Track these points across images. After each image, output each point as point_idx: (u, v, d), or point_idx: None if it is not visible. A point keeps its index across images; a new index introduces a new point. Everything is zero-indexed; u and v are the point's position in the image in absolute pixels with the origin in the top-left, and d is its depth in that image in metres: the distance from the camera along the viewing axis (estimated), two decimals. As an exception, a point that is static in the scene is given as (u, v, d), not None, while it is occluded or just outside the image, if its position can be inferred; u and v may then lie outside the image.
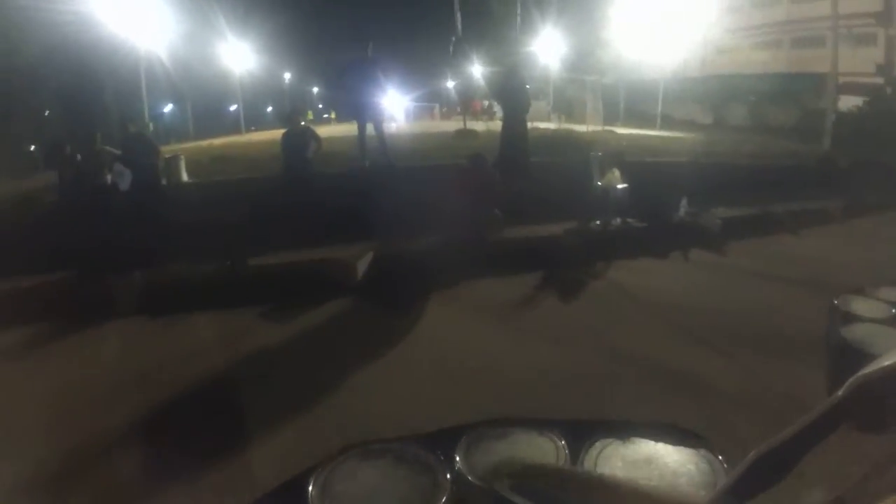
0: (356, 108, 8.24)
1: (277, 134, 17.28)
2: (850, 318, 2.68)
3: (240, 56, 23.85)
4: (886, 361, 0.76)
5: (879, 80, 20.08)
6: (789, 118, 22.09)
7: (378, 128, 8.34)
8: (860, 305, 2.83)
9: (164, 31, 13.48)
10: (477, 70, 28.38)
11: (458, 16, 12.27)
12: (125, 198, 6.31)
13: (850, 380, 0.76)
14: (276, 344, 4.28)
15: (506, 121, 8.65)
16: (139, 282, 5.18)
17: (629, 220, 7.54)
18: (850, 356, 2.42)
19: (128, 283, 5.12)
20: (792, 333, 3.91)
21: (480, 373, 3.65)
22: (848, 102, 17.77)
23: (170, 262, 5.59)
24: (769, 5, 27.54)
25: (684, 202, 7.97)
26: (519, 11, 9.20)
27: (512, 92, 8.36)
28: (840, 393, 0.76)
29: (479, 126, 19.80)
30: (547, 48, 24.13)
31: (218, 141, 17.27)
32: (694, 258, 6.81)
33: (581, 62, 27.11)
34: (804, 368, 3.31)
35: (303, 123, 8.33)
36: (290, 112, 8.53)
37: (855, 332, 2.48)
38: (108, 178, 6.56)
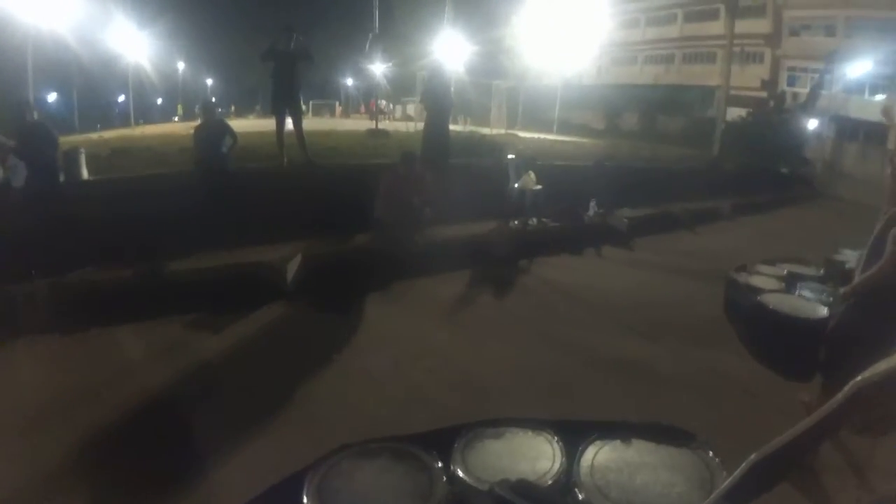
0: (275, 103, 7.93)
1: (172, 128, 16.37)
2: (755, 290, 3.43)
3: (131, 42, 22.15)
4: (883, 366, 0.78)
5: (763, 94, 22.33)
6: (678, 126, 23.94)
7: (297, 124, 8.07)
8: (756, 280, 3.66)
9: (53, 11, 12.19)
10: (379, 69, 28.29)
11: (376, 12, 12.21)
12: (21, 195, 5.66)
13: (849, 384, 0.78)
14: (214, 356, 3.95)
15: (428, 121, 8.69)
16: (44, 292, 4.51)
17: (545, 219, 7.90)
18: (769, 318, 3.08)
19: (32, 293, 4.46)
20: (699, 314, 4.47)
21: (434, 372, 3.69)
22: (732, 113, 19.53)
23: (78, 269, 4.96)
24: (664, 22, 29.75)
25: (593, 203, 8.47)
26: (435, 13, 9.30)
27: (435, 92, 8.42)
28: (839, 396, 0.77)
29: (389, 125, 19.74)
30: (453, 51, 24.46)
31: (108, 134, 15.97)
32: (606, 254, 7.33)
33: (485, 67, 27.70)
34: (712, 343, 3.88)
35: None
36: (204, 103, 8.04)
37: (767, 300, 3.19)
38: (0, 172, 5.86)
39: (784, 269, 3.85)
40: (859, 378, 0.78)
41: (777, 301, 3.23)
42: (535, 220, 7.79)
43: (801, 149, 16.67)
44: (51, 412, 3.16)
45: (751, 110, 19.82)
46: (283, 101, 7.90)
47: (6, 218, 5.17)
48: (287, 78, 7.79)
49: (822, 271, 3.96)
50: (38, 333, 4.18)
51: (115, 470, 2.62)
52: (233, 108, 35.54)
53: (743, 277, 3.77)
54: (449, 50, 23.26)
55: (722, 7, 22.24)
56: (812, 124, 18.06)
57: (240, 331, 4.39)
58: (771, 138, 15.76)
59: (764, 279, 3.71)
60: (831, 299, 3.10)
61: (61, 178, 6.38)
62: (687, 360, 3.86)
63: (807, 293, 3.39)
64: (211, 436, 2.87)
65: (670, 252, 7.42)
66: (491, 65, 28.41)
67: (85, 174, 7.18)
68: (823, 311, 3.03)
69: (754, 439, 0.82)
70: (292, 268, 5.38)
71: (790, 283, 3.62)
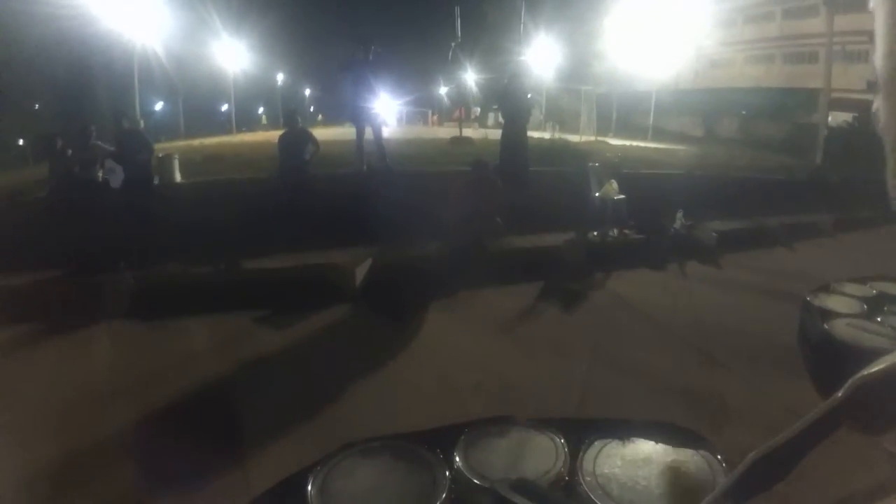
0: (354, 112, 8.15)
1: (270, 136, 17.32)
2: (827, 314, 2.90)
3: (233, 54, 23.75)
4: (884, 363, 0.77)
5: (870, 97, 20.47)
6: (780, 132, 22.37)
7: (376, 132, 8.26)
8: (833, 302, 3.06)
9: (159, 27, 13.34)
10: (471, 77, 28.55)
11: (458, 21, 12.37)
12: (117, 195, 6.18)
13: (850, 381, 0.77)
14: (273, 350, 4.16)
15: (506, 129, 8.58)
16: (130, 283, 5.00)
17: (626, 231, 7.57)
18: (836, 350, 2.61)
19: (118, 283, 4.94)
20: (784, 343, 3.93)
21: (483, 386, 3.60)
22: (838, 118, 18.06)
23: (162, 264, 5.45)
24: (762, 21, 28.05)
25: (680, 214, 8.01)
26: (520, 20, 9.22)
27: (512, 100, 8.30)
28: (839, 394, 0.77)
29: (477, 133, 19.83)
30: (541, 57, 24.29)
31: (209, 140, 17.10)
32: (690, 271, 6.84)
33: (575, 72, 27.30)
34: (794, 377, 3.42)
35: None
36: (287, 113, 8.43)
37: (836, 328, 2.69)
38: (100, 174, 6.43)
39: (873, 290, 3.24)
40: (859, 375, 0.77)
41: (846, 328, 2.70)
42: (615, 231, 7.48)
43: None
44: (117, 390, 3.50)
45: (857, 115, 18.20)
46: (363, 109, 8.11)
47: (103, 215, 5.70)
48: (367, 87, 7.98)
49: None
50: (119, 320, 4.69)
51: (166, 446, 2.81)
52: (320, 116, 37.03)
53: (819, 299, 3.18)
54: (536, 56, 23.18)
55: (821, 1, 20.59)
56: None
57: (302, 329, 4.56)
58: (879, 145, 14.28)
59: (843, 301, 3.08)
60: None
61: (155, 180, 6.88)
62: (761, 396, 3.50)
63: (892, 319, 2.79)
64: (257, 426, 3.03)
65: (762, 271, 6.82)
66: (581, 70, 28.00)
67: (178, 177, 7.70)
68: None
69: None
70: (361, 272, 5.46)
71: (876, 306, 3.01)
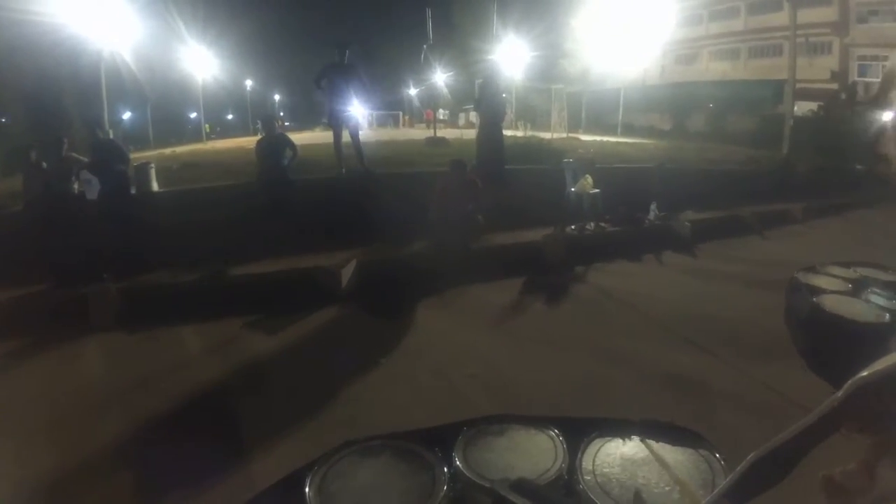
0: (332, 115, 8.13)
1: (241, 142, 17.13)
2: (815, 290, 3.08)
3: (202, 62, 23.44)
4: (883, 364, 0.78)
5: (833, 87, 21.10)
6: (747, 124, 22.75)
7: (354, 135, 8.26)
8: (820, 281, 3.26)
9: (126, 35, 13.11)
10: (440, 78, 28.60)
11: (430, 23, 12.44)
12: (95, 206, 6.09)
13: (849, 382, 0.78)
14: (265, 356, 4.15)
15: (482, 128, 8.68)
16: (115, 294, 4.93)
17: (603, 224, 7.71)
18: (825, 321, 2.77)
19: (103, 295, 4.87)
20: (763, 326, 4.14)
21: (478, 378, 3.65)
22: (804, 108, 18.49)
23: (146, 273, 5.41)
24: (727, 16, 28.57)
25: (654, 206, 8.17)
26: (490, 21, 9.31)
27: (488, 100, 8.41)
28: (839, 395, 0.78)
29: (450, 133, 19.87)
30: (512, 57, 24.47)
31: (181, 148, 16.82)
32: (666, 260, 6.99)
33: (545, 71, 27.51)
34: (775, 358, 3.59)
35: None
36: (264, 118, 8.36)
37: (825, 301, 2.87)
38: (75, 186, 6.33)
39: (856, 272, 3.44)
40: (858, 376, 0.78)
41: (835, 303, 2.87)
42: (592, 224, 7.62)
43: (878, 144, 15.34)
44: (109, 400, 3.48)
45: (821, 104, 18.66)
46: (340, 112, 8.10)
47: (81, 227, 5.62)
48: (343, 90, 7.97)
49: None
50: (105, 331, 4.63)
51: (163, 454, 2.80)
52: (278, 122, 36.64)
53: (806, 277, 3.37)
54: (506, 57, 23.36)
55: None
56: (887, 116, 16.52)
57: (293, 332, 4.57)
58: (844, 134, 14.64)
59: (829, 280, 3.28)
60: None
61: (132, 190, 6.79)
62: (746, 377, 3.60)
63: (875, 298, 2.98)
64: (256, 429, 3.04)
65: (736, 259, 7.00)
66: (551, 69, 28.23)
67: (155, 186, 7.61)
68: (885, 318, 2.68)
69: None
70: (347, 273, 5.49)
71: (859, 286, 3.20)
